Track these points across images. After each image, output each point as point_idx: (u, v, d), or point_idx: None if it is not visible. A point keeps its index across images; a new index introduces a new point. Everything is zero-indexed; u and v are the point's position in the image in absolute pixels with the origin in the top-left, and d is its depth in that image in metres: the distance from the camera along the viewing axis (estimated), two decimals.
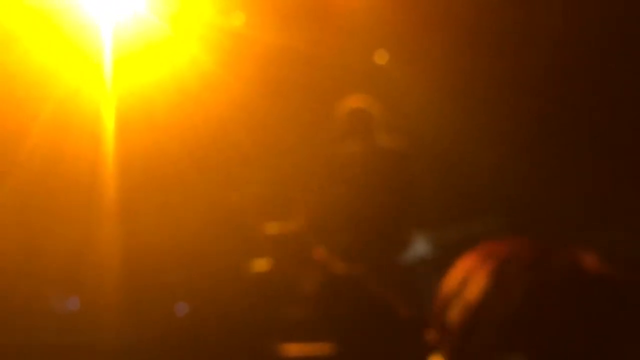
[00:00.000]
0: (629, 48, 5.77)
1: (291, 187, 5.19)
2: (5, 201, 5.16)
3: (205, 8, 5.37)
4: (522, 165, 5.86)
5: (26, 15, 4.83)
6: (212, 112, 5.24)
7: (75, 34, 4.92)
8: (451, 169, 5.94)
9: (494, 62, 5.76)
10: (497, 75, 5.78)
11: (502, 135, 5.80)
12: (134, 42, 5.04)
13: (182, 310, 5.72)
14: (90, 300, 5.53)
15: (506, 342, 1.05)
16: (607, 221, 5.83)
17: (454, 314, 1.10)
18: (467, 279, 1.11)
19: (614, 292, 1.07)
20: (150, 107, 5.10)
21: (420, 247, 5.20)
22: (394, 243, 4.97)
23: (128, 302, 5.42)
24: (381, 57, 5.98)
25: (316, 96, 5.55)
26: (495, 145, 5.78)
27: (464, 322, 1.08)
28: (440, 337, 1.12)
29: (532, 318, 1.04)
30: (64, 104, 4.92)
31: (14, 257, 5.35)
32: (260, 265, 4.01)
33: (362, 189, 4.96)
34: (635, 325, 1.06)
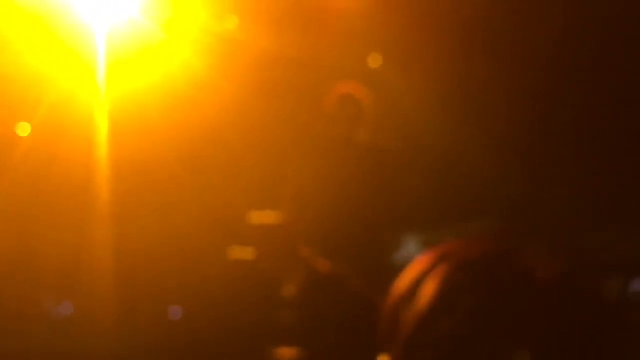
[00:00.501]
0: (628, 50, 5.78)
1: (280, 178, 5.14)
2: None
3: (199, 12, 5.37)
4: (518, 166, 5.87)
5: (19, 18, 4.82)
6: (205, 116, 5.24)
7: (68, 38, 4.92)
8: (446, 169, 5.94)
9: (489, 64, 5.77)
10: (493, 77, 5.79)
11: (498, 137, 5.81)
12: (128, 45, 5.04)
13: (176, 314, 5.72)
14: (84, 304, 5.53)
15: (447, 356, 1.06)
16: (605, 222, 5.84)
17: (403, 318, 1.10)
18: (420, 281, 1.12)
19: (564, 305, 1.06)
20: (143, 111, 5.10)
21: (410, 247, 5.19)
22: (378, 242, 4.94)
23: (122, 306, 5.41)
24: (375, 61, 5.99)
25: (310, 99, 5.55)
26: (492, 147, 5.79)
27: (412, 328, 1.08)
28: (390, 338, 1.13)
29: (474, 335, 1.05)
30: (57, 107, 4.92)
31: (6, 262, 5.34)
32: (243, 253, 3.92)
33: (345, 184, 4.92)
34: (584, 340, 1.06)
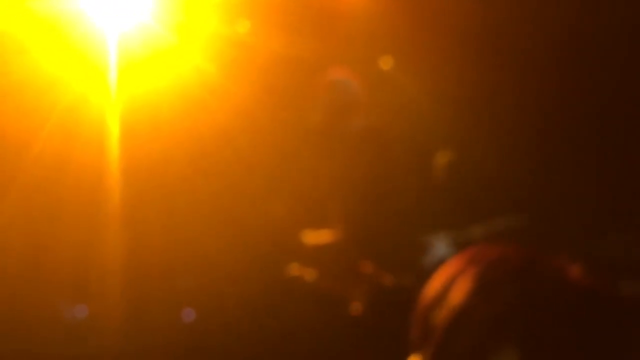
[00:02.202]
0: (634, 51, 5.77)
1: (326, 195, 5.03)
2: (11, 208, 5.19)
3: (210, 16, 5.40)
4: (533, 167, 5.86)
5: (32, 23, 4.87)
6: (216, 119, 5.26)
7: (80, 42, 4.96)
8: (472, 168, 5.92)
9: (504, 63, 5.76)
10: (507, 76, 5.79)
11: (520, 135, 5.80)
12: (139, 49, 5.08)
13: (190, 316, 5.74)
14: (98, 307, 5.55)
15: (487, 345, 1.06)
16: (621, 224, 5.81)
17: (438, 316, 1.11)
18: (451, 282, 1.12)
19: (595, 305, 1.08)
20: (155, 115, 5.13)
21: (441, 247, 5.15)
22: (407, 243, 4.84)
23: (136, 308, 5.43)
24: (386, 63, 6.00)
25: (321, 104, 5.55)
26: (515, 145, 5.78)
27: (447, 324, 1.09)
28: (422, 339, 1.13)
29: (514, 323, 1.06)
30: (69, 111, 4.96)
31: (20, 265, 5.38)
32: (303, 273, 3.75)
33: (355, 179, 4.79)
34: (614, 339, 1.07)
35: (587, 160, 5.87)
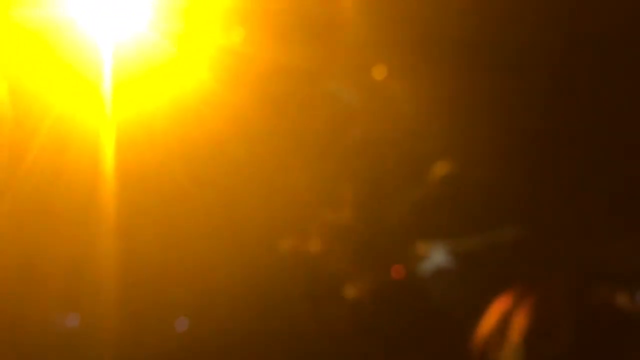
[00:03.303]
0: (630, 58, 5.76)
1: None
2: (4, 217, 5.16)
3: (207, 26, 5.37)
4: (541, 174, 5.86)
5: (26, 32, 4.83)
6: (212, 129, 5.25)
7: (75, 51, 4.93)
8: (470, 177, 5.93)
9: (498, 72, 5.77)
10: (510, 84, 5.79)
11: (518, 144, 5.81)
12: (134, 58, 5.05)
13: (183, 325, 5.73)
14: (90, 316, 5.54)
15: None
16: (620, 232, 5.83)
17: (499, 353, 1.18)
18: (507, 319, 1.19)
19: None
20: (150, 124, 5.11)
21: (437, 256, 5.17)
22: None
23: (128, 317, 5.42)
24: (382, 72, 5.99)
25: (317, 113, 5.56)
26: (513, 153, 5.78)
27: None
28: None
29: (577, 354, 1.11)
30: (63, 121, 4.93)
31: (12, 273, 5.35)
32: (304, 246, 3.60)
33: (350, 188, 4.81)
34: None
35: (588, 168, 5.87)
